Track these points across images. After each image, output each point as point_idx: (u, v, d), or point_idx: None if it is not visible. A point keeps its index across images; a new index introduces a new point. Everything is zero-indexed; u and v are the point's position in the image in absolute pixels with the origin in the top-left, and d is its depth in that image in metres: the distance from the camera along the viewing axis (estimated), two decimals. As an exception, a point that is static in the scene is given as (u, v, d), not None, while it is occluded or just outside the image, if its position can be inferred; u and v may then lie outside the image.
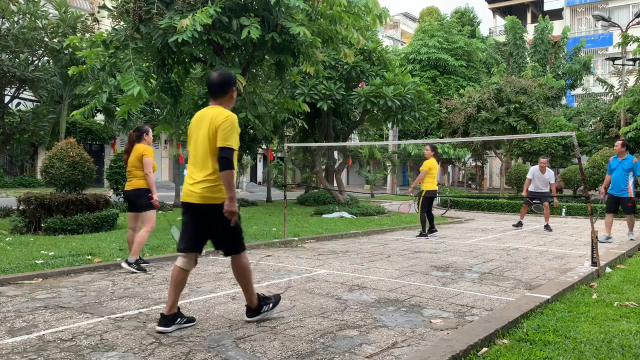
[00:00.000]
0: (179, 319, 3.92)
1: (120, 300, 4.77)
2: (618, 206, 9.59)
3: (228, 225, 3.84)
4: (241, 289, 4.13)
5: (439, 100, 23.85)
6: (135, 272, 6.09)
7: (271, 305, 4.20)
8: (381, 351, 3.48)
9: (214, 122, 3.84)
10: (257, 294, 4.17)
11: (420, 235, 10.21)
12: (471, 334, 3.56)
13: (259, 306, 4.13)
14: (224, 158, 3.77)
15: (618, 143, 9.49)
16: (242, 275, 4.07)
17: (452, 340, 3.44)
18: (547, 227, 11.62)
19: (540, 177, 11.65)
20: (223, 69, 4.15)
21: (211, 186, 3.84)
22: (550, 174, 11.69)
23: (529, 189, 11.82)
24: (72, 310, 4.41)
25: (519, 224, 12.24)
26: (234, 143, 3.86)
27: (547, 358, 3.30)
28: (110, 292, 5.14)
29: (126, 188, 6.41)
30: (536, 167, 11.90)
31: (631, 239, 9.27)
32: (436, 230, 10.52)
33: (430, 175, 10.08)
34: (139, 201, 6.29)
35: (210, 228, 3.94)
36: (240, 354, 3.41)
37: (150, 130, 6.58)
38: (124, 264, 6.20)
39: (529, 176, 11.92)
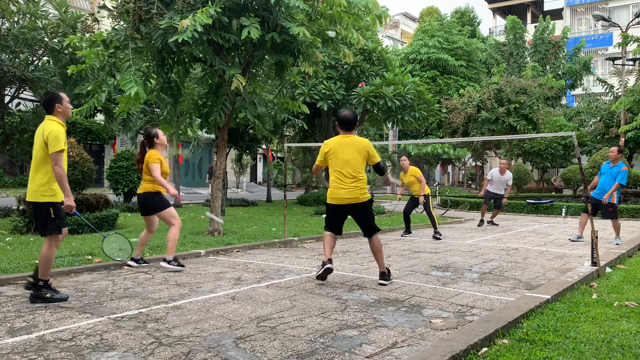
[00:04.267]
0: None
1: (120, 300, 4.77)
2: (597, 210, 9.46)
3: None
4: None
5: (439, 100, 23.84)
6: (178, 269, 6.25)
7: None
8: (381, 351, 3.48)
9: None
10: None
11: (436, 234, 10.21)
12: (471, 334, 3.56)
13: None
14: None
15: (614, 149, 9.31)
16: None
17: (452, 340, 3.44)
18: (492, 223, 12.59)
19: (499, 179, 12.02)
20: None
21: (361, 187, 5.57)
22: (508, 175, 12.09)
23: (488, 189, 12.21)
24: (72, 310, 4.41)
25: (481, 222, 12.58)
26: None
27: (547, 358, 3.30)
28: (110, 292, 5.14)
29: (137, 192, 6.55)
30: (496, 169, 12.26)
31: (617, 244, 9.06)
32: (410, 233, 10.73)
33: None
34: (149, 204, 6.38)
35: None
36: (240, 354, 3.41)
37: (160, 132, 6.62)
38: (163, 264, 6.31)
39: (487, 177, 12.35)
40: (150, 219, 6.54)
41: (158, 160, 6.38)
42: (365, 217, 5.62)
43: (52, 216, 4.68)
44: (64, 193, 4.70)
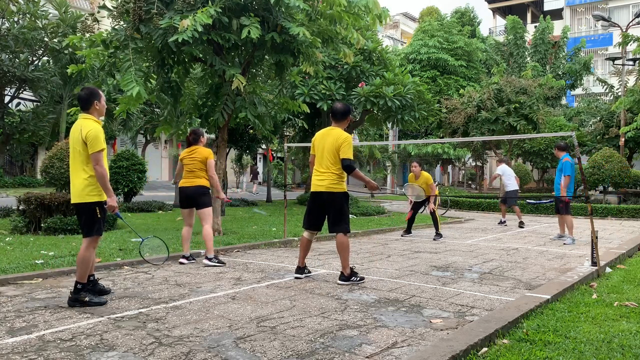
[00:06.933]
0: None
1: (120, 300, 4.77)
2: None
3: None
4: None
5: (439, 100, 23.84)
6: (218, 266, 6.54)
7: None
8: (381, 351, 3.48)
9: None
10: None
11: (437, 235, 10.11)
12: (471, 334, 3.56)
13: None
14: None
15: (556, 147, 9.63)
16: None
17: (452, 340, 3.44)
18: (520, 224, 12.63)
19: (510, 171, 12.46)
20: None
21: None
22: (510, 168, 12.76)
23: (509, 188, 12.54)
24: (72, 310, 4.41)
25: (502, 223, 12.82)
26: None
27: (547, 358, 3.30)
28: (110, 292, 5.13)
29: (187, 185, 6.82)
30: (503, 165, 12.70)
31: (566, 243, 9.22)
32: (410, 233, 10.72)
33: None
34: (200, 199, 6.72)
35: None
36: (240, 354, 3.41)
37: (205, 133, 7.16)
38: (205, 261, 6.60)
39: (498, 172, 12.86)
40: (192, 213, 6.87)
41: (214, 157, 6.88)
42: (331, 209, 5.68)
43: (98, 216, 4.59)
44: (106, 193, 4.59)
